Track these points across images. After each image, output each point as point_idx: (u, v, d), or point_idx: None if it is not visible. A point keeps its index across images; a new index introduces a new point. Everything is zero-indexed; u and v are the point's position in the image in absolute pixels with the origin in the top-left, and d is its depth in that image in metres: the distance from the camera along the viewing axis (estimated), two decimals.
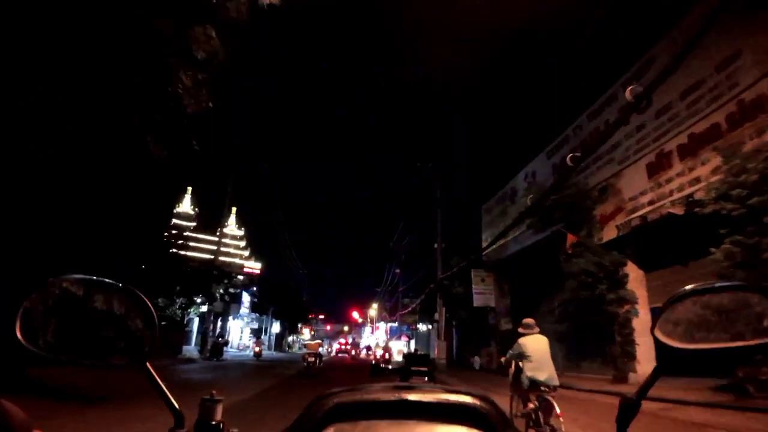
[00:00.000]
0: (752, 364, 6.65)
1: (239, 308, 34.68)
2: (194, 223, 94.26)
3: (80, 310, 0.69)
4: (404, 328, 38.09)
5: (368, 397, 0.75)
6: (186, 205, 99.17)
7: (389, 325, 52.76)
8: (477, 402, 0.74)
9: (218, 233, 27.11)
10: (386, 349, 32.41)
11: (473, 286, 19.65)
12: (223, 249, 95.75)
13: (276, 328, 49.27)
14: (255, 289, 38.65)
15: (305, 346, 23.16)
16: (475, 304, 19.48)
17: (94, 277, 0.70)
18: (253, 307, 43.41)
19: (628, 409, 0.71)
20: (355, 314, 66.08)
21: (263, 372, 15.60)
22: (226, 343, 24.42)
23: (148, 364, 0.71)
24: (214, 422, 0.84)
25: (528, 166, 17.18)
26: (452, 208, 22.04)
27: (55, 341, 0.67)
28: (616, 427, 0.71)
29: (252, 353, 27.50)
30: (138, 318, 0.71)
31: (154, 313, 0.71)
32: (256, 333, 44.94)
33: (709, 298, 0.70)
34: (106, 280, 0.71)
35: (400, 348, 35.88)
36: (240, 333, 39.35)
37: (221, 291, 23.75)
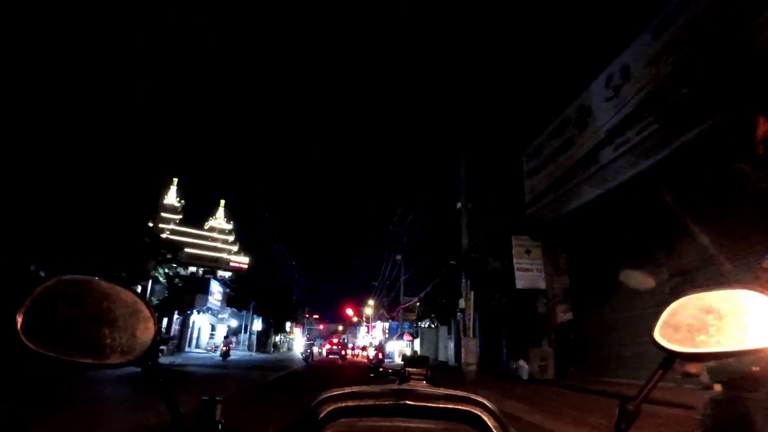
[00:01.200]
0: None
1: (206, 300, 28.43)
2: (179, 216, 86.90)
3: (82, 309, 0.67)
4: (406, 325, 31.92)
5: (367, 403, 0.77)
6: (171, 197, 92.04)
7: (387, 323, 46.79)
8: (475, 409, 0.76)
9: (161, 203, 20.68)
10: (379, 348, 27.19)
11: (515, 260, 13.55)
12: (209, 243, 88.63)
13: (258, 325, 42.91)
14: (228, 276, 32.26)
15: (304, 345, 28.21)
16: (518, 286, 13.39)
17: (95, 277, 0.71)
18: (230, 301, 37.12)
19: (629, 414, 0.70)
20: (350, 311, 59.93)
21: (193, 389, 9.47)
22: (163, 342, 18.16)
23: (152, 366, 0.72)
24: (213, 423, 0.84)
25: (611, 66, 11.10)
26: (480, 156, 15.74)
27: (57, 340, 0.66)
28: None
29: (219, 354, 23.20)
30: (138, 317, 0.70)
31: (154, 312, 0.71)
32: (235, 331, 38.70)
33: (711, 301, 0.70)
34: (107, 279, 0.70)
35: (401, 349, 29.71)
36: (210, 330, 33.00)
37: (165, 271, 17.60)
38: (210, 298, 29.18)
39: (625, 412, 0.70)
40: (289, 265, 52.41)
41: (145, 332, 0.70)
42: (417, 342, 29.63)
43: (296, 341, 65.52)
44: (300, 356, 30.26)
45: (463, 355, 13.20)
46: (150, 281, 17.11)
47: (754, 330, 0.67)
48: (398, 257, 32.57)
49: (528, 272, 13.63)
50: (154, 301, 18.52)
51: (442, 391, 0.80)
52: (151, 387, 0.71)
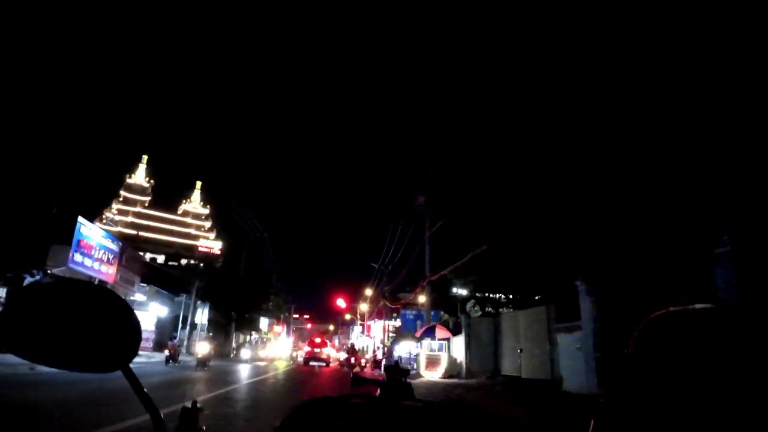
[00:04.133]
0: None
1: (66, 256, 15.14)
2: (148, 197, 71.89)
3: (61, 312, 0.66)
4: (435, 315, 18.83)
5: (347, 415, 0.78)
6: (140, 177, 77.60)
7: (395, 321, 34.08)
8: (464, 420, 0.77)
9: None
10: (351, 352, 22.12)
11: None
12: (184, 230, 73.45)
13: (203, 317, 29.37)
14: (113, 217, 18.66)
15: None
16: None
17: (74, 279, 0.74)
18: (151, 277, 23.74)
19: (603, 417, 0.69)
20: (341, 302, 46.70)
21: None
22: None
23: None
24: (195, 430, 0.84)
25: None
26: None
27: (37, 345, 0.65)
28: None
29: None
30: (117, 319, 0.68)
31: (135, 314, 0.70)
32: (164, 325, 25.37)
33: (688, 319, 0.68)
34: (85, 281, 0.75)
35: (431, 354, 16.50)
36: None
37: None
38: (79, 257, 15.85)
39: (599, 420, 0.70)
40: (259, 235, 38.90)
41: (127, 335, 0.68)
42: (458, 341, 16.49)
43: (277, 344, 51.73)
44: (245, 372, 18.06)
45: None
46: None
47: (726, 347, 0.64)
48: (420, 200, 19.52)
49: None
50: None
51: (427, 402, 0.80)
52: (133, 390, 0.68)
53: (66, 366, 0.67)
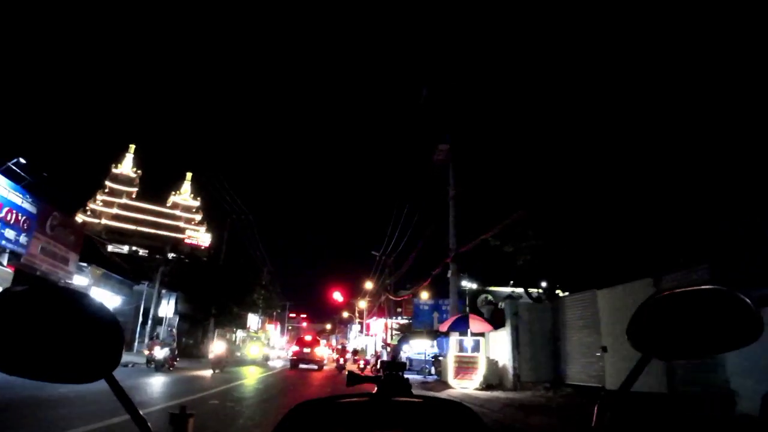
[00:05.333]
0: None
1: None
2: (135, 188, 66.25)
3: (39, 320, 0.61)
4: (461, 303, 14.02)
5: (343, 413, 0.76)
6: (127, 167, 72.50)
7: (401, 311, 29.47)
8: (457, 416, 0.76)
9: None
10: (341, 353, 20.70)
11: None
12: (172, 223, 68.39)
13: (168, 310, 24.37)
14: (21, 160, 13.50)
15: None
16: None
17: (53, 285, 0.67)
18: (92, 255, 18.88)
19: (605, 414, 0.69)
20: (338, 295, 42.00)
21: None
22: None
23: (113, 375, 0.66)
24: None
25: None
26: None
27: (13, 356, 0.60)
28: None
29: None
30: (98, 326, 0.64)
31: (118, 321, 0.67)
32: (133, 318, 20.49)
33: (685, 300, 0.68)
34: (65, 287, 0.67)
35: (462, 355, 11.65)
36: None
37: None
38: None
39: (602, 413, 0.69)
40: (243, 217, 33.89)
41: (109, 342, 0.65)
42: (497, 338, 11.70)
43: (262, 345, 46.44)
44: None
45: None
46: None
47: (727, 330, 0.65)
48: (441, 151, 14.73)
49: None
50: None
51: (421, 398, 0.77)
52: (117, 398, 0.66)
53: (46, 378, 0.61)
